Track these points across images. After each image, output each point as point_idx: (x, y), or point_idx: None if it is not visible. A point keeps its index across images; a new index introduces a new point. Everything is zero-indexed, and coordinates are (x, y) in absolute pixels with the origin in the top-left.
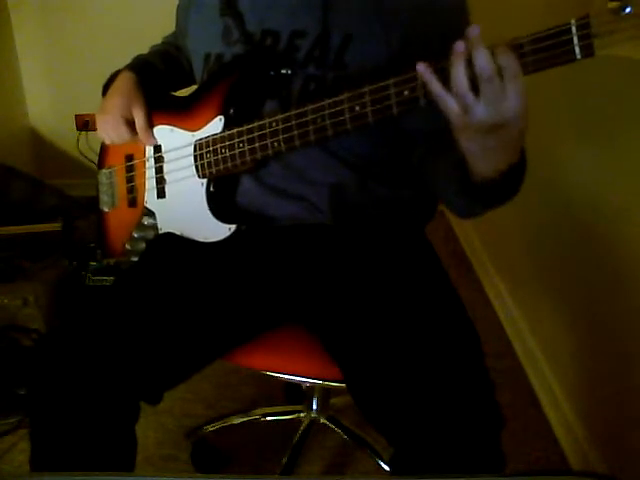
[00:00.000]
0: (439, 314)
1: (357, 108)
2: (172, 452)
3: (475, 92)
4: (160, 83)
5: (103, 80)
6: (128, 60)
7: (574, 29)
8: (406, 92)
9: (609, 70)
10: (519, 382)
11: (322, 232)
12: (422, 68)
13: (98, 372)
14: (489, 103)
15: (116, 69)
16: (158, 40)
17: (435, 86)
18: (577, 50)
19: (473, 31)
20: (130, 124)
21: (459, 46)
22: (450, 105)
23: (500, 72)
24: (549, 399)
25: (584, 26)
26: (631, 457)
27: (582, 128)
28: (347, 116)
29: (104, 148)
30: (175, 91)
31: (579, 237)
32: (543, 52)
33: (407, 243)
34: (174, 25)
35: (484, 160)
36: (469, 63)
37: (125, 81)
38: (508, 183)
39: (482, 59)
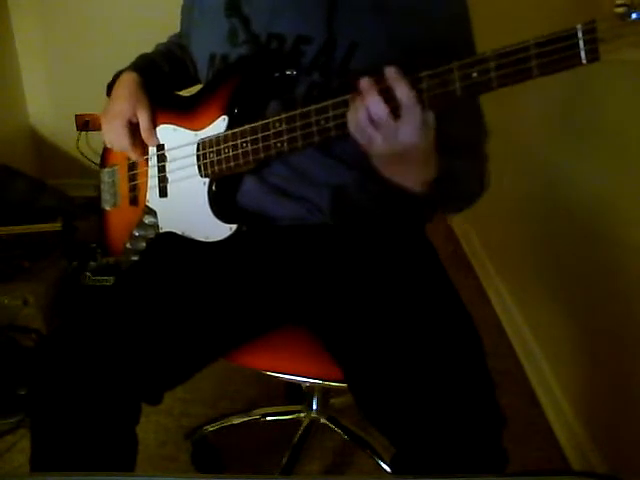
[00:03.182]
0: (440, 314)
1: None
2: (172, 452)
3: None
4: (163, 83)
5: (103, 80)
6: (129, 60)
7: (580, 33)
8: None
9: (613, 74)
10: (519, 382)
11: (323, 232)
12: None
13: (99, 372)
14: (386, 138)
15: (116, 69)
16: (159, 40)
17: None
18: (583, 54)
19: (363, 83)
20: (133, 128)
21: (362, 83)
22: (362, 136)
23: (396, 111)
24: (549, 399)
25: (590, 31)
26: (631, 457)
27: (583, 129)
28: None
29: (107, 147)
30: (178, 91)
31: (579, 237)
32: (549, 56)
33: (407, 243)
34: (175, 26)
35: (399, 178)
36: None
37: (129, 83)
38: (439, 193)
39: (375, 107)
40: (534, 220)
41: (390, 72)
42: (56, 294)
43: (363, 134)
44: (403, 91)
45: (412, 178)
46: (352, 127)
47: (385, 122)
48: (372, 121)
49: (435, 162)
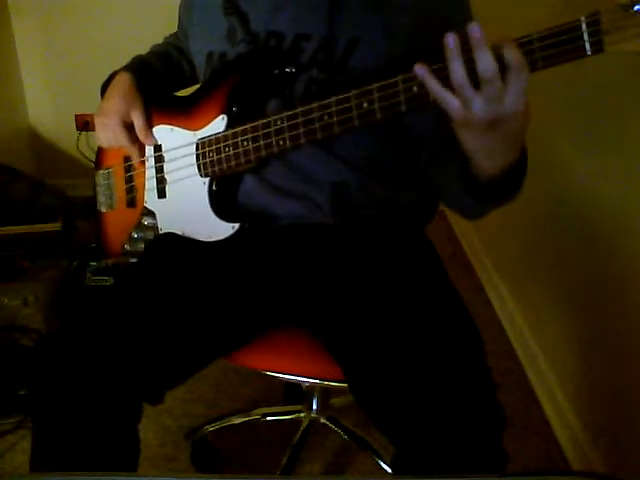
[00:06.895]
0: (440, 314)
1: (365, 105)
2: (172, 452)
3: (475, 87)
4: (158, 84)
5: (103, 80)
6: (128, 60)
7: (584, 25)
8: (415, 88)
9: (609, 66)
10: (519, 382)
11: (323, 232)
12: (420, 69)
13: (100, 372)
14: (489, 100)
15: (116, 69)
16: (158, 40)
17: (433, 85)
18: (587, 46)
19: (474, 31)
20: (129, 127)
21: (451, 40)
22: (450, 101)
23: (502, 71)
24: (549, 399)
25: (594, 22)
26: (631, 457)
27: (581, 127)
28: (355, 113)
29: (102, 149)
30: (173, 92)
31: (579, 237)
32: (553, 48)
33: (408, 243)
34: (175, 25)
35: (486, 156)
36: (470, 60)
37: (123, 82)
38: (510, 180)
39: (485, 61)
40: (534, 220)
41: (504, 41)
42: (56, 294)
43: (462, 93)
44: (514, 53)
45: (496, 156)
46: (437, 89)
47: (492, 78)
48: (479, 75)
49: (521, 142)
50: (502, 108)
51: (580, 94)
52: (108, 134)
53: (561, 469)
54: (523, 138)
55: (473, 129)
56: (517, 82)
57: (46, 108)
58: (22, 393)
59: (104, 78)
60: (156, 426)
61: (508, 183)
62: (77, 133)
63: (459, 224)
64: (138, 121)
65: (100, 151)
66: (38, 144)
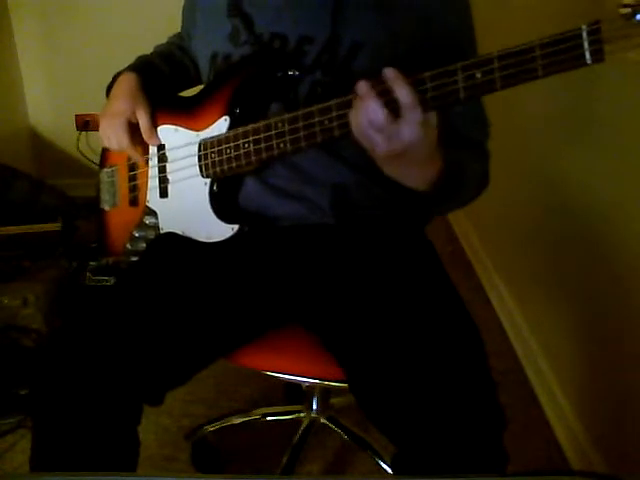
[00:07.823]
0: (441, 313)
1: None
2: (172, 452)
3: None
4: (162, 84)
5: (103, 80)
6: (129, 60)
7: (585, 34)
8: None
9: (607, 69)
10: (519, 382)
11: (324, 232)
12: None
13: (100, 373)
14: (387, 139)
15: (116, 69)
16: (160, 40)
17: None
18: (587, 55)
19: (360, 88)
20: (133, 128)
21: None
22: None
23: (393, 111)
24: (549, 399)
25: (595, 31)
26: (631, 457)
27: (579, 129)
28: None
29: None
30: (177, 93)
31: (579, 237)
32: (553, 56)
33: (408, 243)
34: (176, 26)
35: (404, 177)
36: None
37: (128, 83)
38: (445, 191)
39: (372, 113)
40: (534, 220)
41: (389, 73)
42: (56, 294)
43: (365, 137)
44: (402, 92)
45: (415, 177)
46: (354, 130)
47: (384, 125)
48: (372, 125)
49: (438, 161)
50: (399, 142)
51: (578, 96)
52: (111, 136)
53: (561, 469)
54: (434, 158)
55: (385, 161)
56: (411, 117)
57: (46, 108)
58: (22, 393)
59: (104, 78)
60: (156, 426)
61: (442, 193)
62: (77, 133)
63: (459, 224)
64: (143, 121)
65: (105, 149)
66: (38, 144)
